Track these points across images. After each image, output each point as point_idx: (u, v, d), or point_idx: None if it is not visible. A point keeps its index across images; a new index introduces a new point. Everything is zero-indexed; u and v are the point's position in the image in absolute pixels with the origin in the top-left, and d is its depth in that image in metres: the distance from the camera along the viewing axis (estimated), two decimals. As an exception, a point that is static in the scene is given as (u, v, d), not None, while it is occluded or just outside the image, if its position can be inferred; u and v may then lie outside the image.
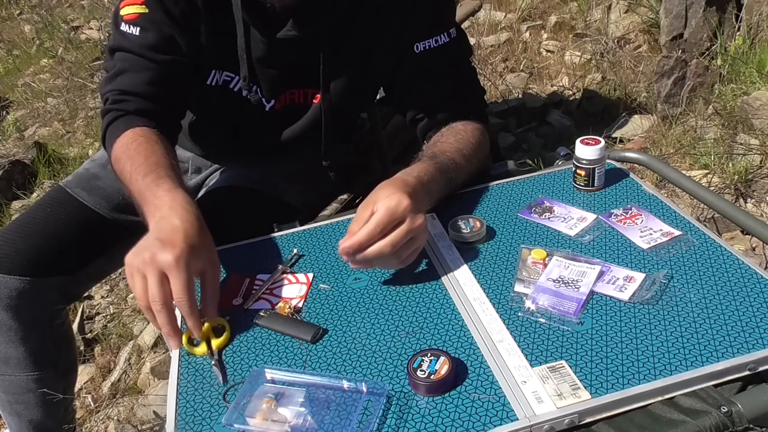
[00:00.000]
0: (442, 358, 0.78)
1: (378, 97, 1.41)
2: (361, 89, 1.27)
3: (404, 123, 1.29)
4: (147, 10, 1.09)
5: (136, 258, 0.85)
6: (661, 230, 0.99)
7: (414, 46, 1.18)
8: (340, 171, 1.38)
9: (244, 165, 1.38)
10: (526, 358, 0.79)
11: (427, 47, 1.18)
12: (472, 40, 2.51)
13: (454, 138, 1.15)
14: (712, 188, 1.78)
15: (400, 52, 1.19)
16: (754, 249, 1.65)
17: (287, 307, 0.93)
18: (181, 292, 0.83)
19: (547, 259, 0.95)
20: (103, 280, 2.04)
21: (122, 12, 1.11)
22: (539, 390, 0.75)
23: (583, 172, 1.10)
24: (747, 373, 0.76)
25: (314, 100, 1.25)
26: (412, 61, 1.19)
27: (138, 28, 1.10)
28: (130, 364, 1.94)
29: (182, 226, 0.87)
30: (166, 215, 0.89)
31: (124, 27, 1.11)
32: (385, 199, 0.90)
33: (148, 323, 2.00)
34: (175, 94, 1.15)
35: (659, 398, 0.74)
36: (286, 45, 1.15)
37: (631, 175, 1.16)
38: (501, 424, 0.71)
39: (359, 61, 1.21)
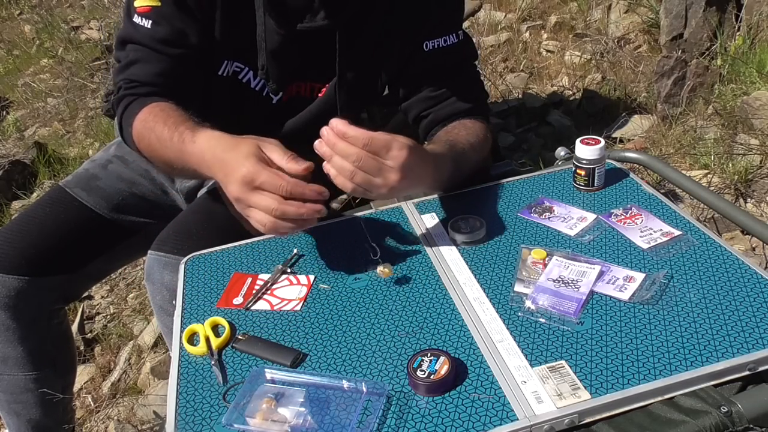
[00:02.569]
0: (442, 358, 0.78)
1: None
2: (370, 84, 1.28)
3: (404, 123, 1.29)
4: (159, 4, 1.10)
5: (238, 206, 0.91)
6: (661, 230, 0.99)
7: (423, 44, 1.20)
8: None
9: None
10: (526, 358, 0.79)
11: (436, 46, 1.20)
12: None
13: (465, 132, 1.16)
14: (712, 188, 1.78)
15: (410, 50, 1.21)
16: (754, 249, 1.65)
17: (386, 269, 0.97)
18: (276, 187, 0.86)
19: (547, 259, 0.95)
20: (103, 280, 2.04)
21: (135, 3, 1.11)
22: (539, 390, 0.74)
23: (583, 172, 1.10)
24: (747, 373, 0.75)
25: (319, 94, 1.25)
26: (420, 58, 1.21)
27: (150, 21, 1.11)
28: (130, 364, 1.94)
29: (222, 156, 0.92)
30: (209, 161, 0.95)
31: (136, 19, 1.12)
32: (402, 141, 0.91)
33: (148, 323, 2.00)
34: (185, 85, 1.16)
35: (659, 398, 0.73)
36: (302, 37, 1.15)
37: (631, 175, 1.16)
38: (501, 424, 0.71)
39: (370, 56, 1.22)
